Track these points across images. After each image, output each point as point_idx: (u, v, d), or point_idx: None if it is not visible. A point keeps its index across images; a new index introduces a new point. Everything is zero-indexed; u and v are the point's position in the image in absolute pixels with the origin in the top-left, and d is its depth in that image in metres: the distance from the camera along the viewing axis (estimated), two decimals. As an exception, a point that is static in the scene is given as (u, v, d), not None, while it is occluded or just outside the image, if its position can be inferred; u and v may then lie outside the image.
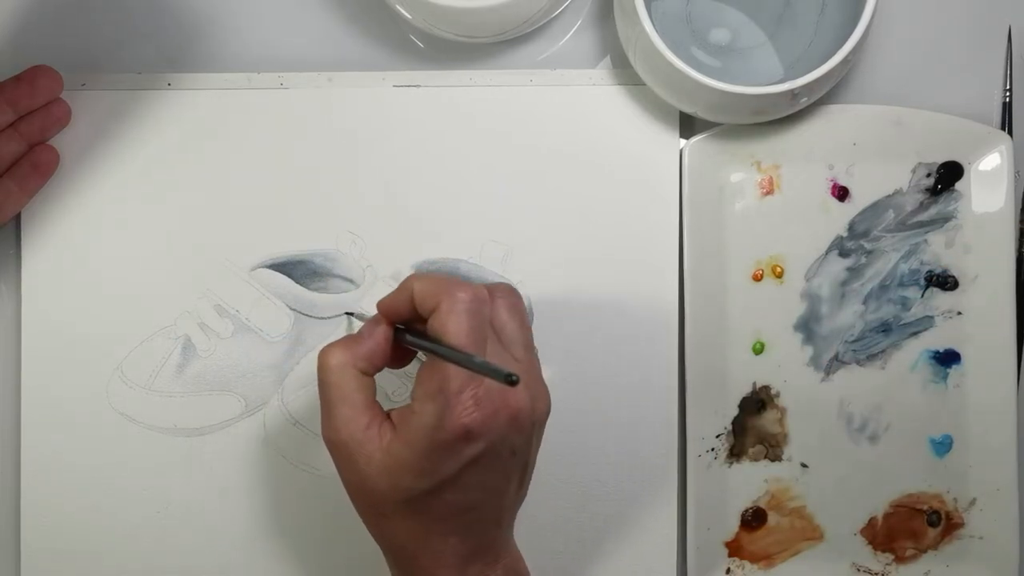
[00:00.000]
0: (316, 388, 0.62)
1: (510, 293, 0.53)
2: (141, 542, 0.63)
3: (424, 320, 0.51)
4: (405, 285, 0.52)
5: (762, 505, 0.63)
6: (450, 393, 0.48)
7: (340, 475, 0.52)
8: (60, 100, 0.62)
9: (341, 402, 0.51)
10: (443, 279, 0.51)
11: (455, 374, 0.48)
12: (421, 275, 0.52)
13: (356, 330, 0.56)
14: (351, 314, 0.63)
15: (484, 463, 0.49)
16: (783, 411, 0.63)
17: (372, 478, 0.50)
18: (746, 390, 0.63)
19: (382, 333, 0.52)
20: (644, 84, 0.61)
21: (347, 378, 0.51)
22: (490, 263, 0.63)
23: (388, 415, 0.51)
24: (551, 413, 0.54)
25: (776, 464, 0.63)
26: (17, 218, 0.63)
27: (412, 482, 0.49)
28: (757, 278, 0.63)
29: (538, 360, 0.54)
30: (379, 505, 0.51)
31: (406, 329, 0.53)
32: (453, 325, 0.49)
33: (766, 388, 0.63)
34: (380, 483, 0.50)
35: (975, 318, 0.63)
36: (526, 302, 0.63)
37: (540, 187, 0.63)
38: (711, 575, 0.63)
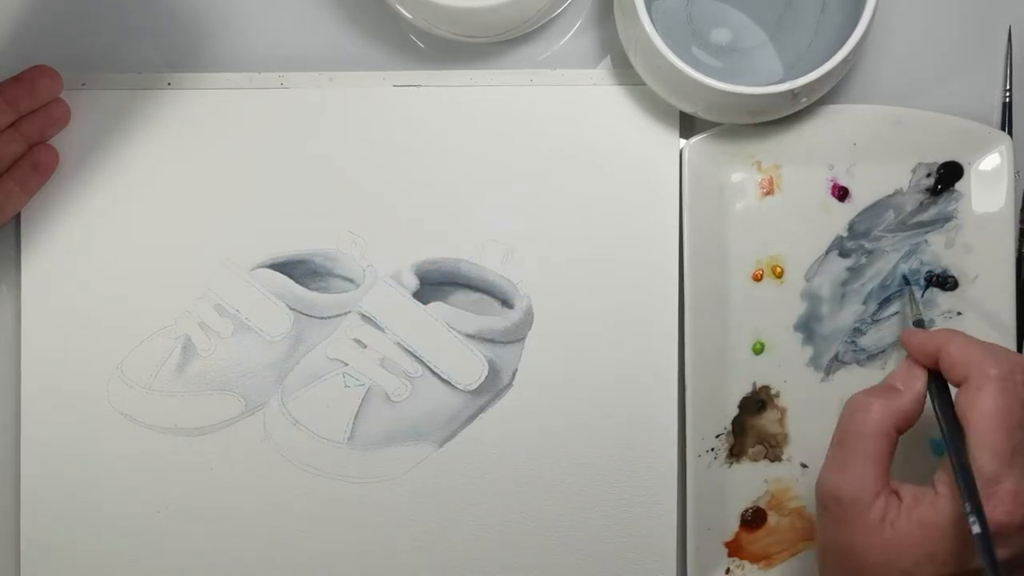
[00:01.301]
0: (317, 388, 0.63)
1: None
2: (141, 542, 0.63)
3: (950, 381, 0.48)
4: (937, 339, 0.48)
5: (762, 505, 0.63)
6: (986, 481, 0.45)
7: (821, 529, 0.49)
8: (60, 100, 0.62)
9: (867, 459, 0.47)
10: (978, 347, 0.47)
11: (988, 458, 0.45)
12: (956, 336, 0.49)
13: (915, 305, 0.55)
14: (907, 280, 0.59)
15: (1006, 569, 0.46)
16: (783, 411, 0.63)
17: (865, 547, 0.47)
18: (746, 390, 0.63)
19: (920, 390, 0.49)
20: (644, 84, 0.61)
21: (883, 438, 0.48)
22: (490, 263, 0.63)
23: (894, 489, 0.48)
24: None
25: (776, 464, 0.63)
26: (17, 218, 0.63)
27: (911, 566, 0.46)
28: (757, 278, 0.63)
29: None
30: None
31: (937, 383, 0.49)
32: (981, 405, 0.45)
33: (766, 388, 0.63)
34: (871, 555, 0.47)
35: (975, 318, 0.63)
36: (526, 302, 0.63)
37: (541, 187, 0.63)
38: (711, 575, 0.63)
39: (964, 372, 0.47)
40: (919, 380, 0.49)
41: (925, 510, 0.46)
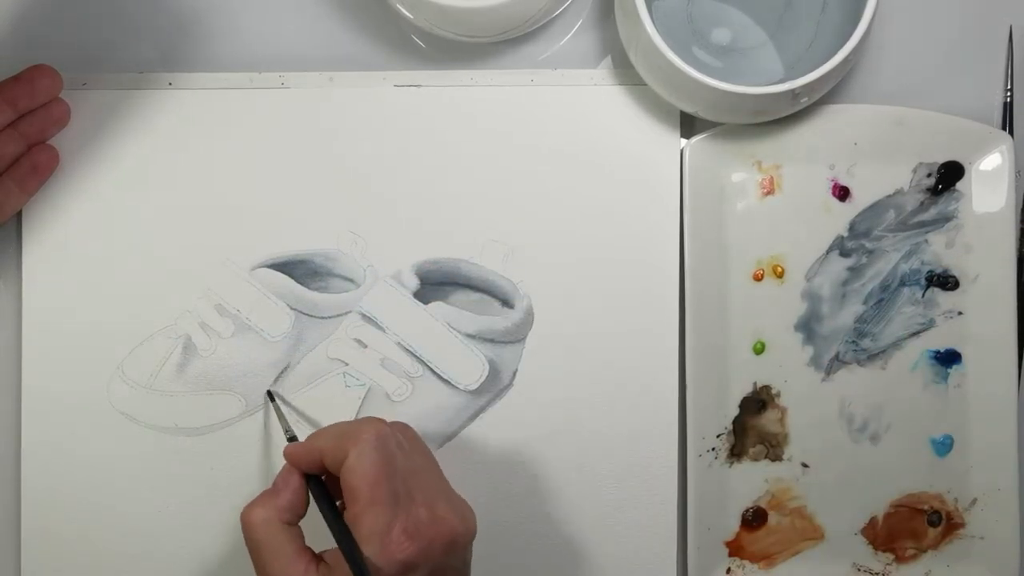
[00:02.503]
0: (317, 388, 0.63)
1: (404, 428, 0.55)
2: (141, 541, 0.63)
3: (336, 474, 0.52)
4: (312, 444, 0.53)
5: (763, 505, 0.63)
6: (380, 532, 0.49)
7: None
8: (60, 100, 0.62)
9: (273, 557, 0.51)
10: (347, 425, 0.53)
11: (379, 512, 0.49)
12: (323, 432, 0.53)
13: (274, 413, 0.60)
14: (272, 397, 0.62)
15: None
16: (784, 411, 0.63)
17: None
18: (747, 390, 0.63)
19: (297, 483, 0.53)
20: (645, 84, 0.61)
21: (273, 532, 0.51)
22: (491, 263, 0.63)
23: (320, 557, 0.51)
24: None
25: (777, 464, 0.63)
26: (18, 217, 0.63)
27: None
28: (758, 278, 0.63)
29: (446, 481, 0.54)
30: None
31: (315, 484, 0.53)
32: (361, 467, 0.50)
33: (767, 388, 0.63)
34: None
35: (976, 318, 0.63)
36: (527, 302, 0.63)
37: (541, 187, 0.63)
38: (711, 575, 0.63)
39: (344, 450, 0.51)
40: (295, 475, 0.53)
41: (345, 572, 0.49)
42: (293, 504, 0.53)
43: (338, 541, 0.50)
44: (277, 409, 0.61)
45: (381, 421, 0.53)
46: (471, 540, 0.52)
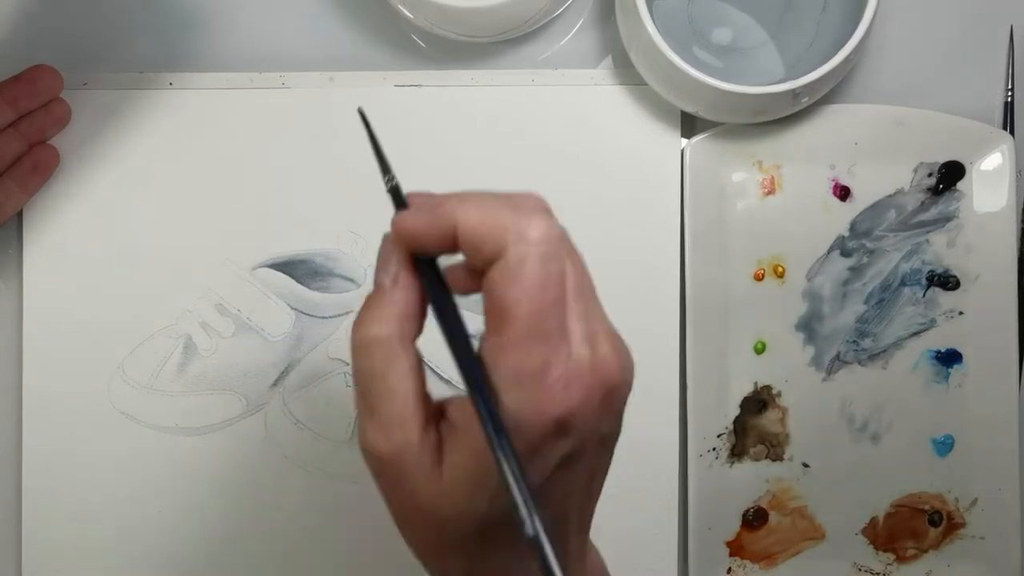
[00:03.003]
0: (317, 387, 0.62)
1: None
2: (141, 542, 0.63)
3: (473, 264, 0.38)
4: (447, 211, 0.37)
5: (763, 505, 0.63)
6: (533, 375, 0.35)
7: (386, 498, 0.38)
8: (60, 99, 0.62)
9: (388, 395, 0.37)
10: (503, 207, 0.38)
11: (536, 348, 0.35)
12: (468, 199, 0.38)
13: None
14: (364, 116, 0.44)
15: (574, 463, 0.38)
16: (784, 411, 0.63)
17: (432, 499, 0.37)
18: (747, 390, 0.63)
19: (412, 278, 0.38)
20: (646, 84, 0.61)
21: (396, 361, 0.37)
22: (491, 263, 0.63)
23: (441, 407, 0.38)
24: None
25: (777, 464, 0.63)
26: (19, 217, 0.63)
27: (484, 503, 0.37)
28: (759, 278, 0.63)
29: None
30: (442, 534, 0.38)
31: (428, 268, 0.38)
32: (527, 280, 0.36)
33: (767, 388, 0.63)
34: (443, 505, 0.37)
35: (977, 318, 0.63)
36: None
37: (542, 186, 0.63)
38: (712, 574, 0.63)
39: (497, 244, 0.36)
40: (403, 266, 0.38)
41: (476, 430, 0.36)
42: (413, 309, 0.38)
43: (466, 379, 0.36)
44: (371, 131, 0.44)
45: (547, 208, 0.39)
46: (627, 396, 0.40)
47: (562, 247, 0.38)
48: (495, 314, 0.36)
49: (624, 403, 0.39)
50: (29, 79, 0.61)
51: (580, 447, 0.37)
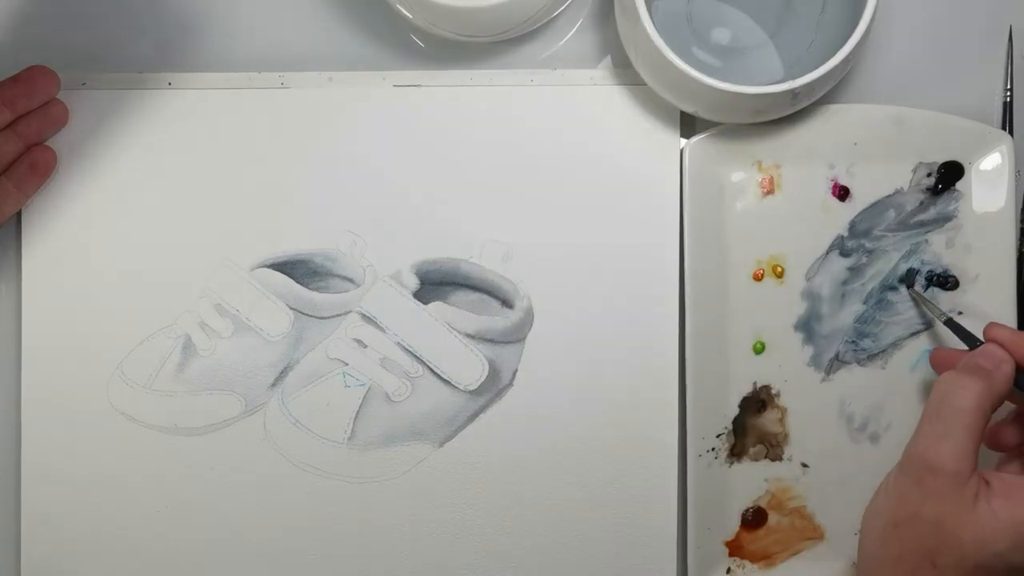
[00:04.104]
0: (316, 387, 0.63)
1: None
2: (141, 542, 0.63)
3: None
4: None
5: (762, 505, 0.63)
6: None
7: (902, 501, 0.49)
8: (57, 100, 0.62)
9: (968, 433, 0.47)
10: None
11: None
12: None
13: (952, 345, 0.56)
14: (952, 322, 0.59)
15: None
16: (784, 411, 0.63)
17: (958, 523, 0.47)
18: (747, 390, 0.63)
19: (1009, 372, 0.50)
20: (645, 84, 0.61)
21: (982, 416, 0.48)
22: (490, 263, 0.63)
23: (982, 475, 0.49)
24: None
25: (777, 464, 0.63)
26: (17, 218, 0.63)
27: (1006, 550, 0.46)
28: (758, 277, 0.63)
29: None
30: (943, 555, 0.47)
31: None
32: None
33: (767, 388, 0.63)
34: (965, 532, 0.46)
35: (976, 318, 0.63)
36: (527, 302, 0.63)
37: (541, 187, 0.63)
38: (712, 574, 0.63)
39: None
40: (1008, 363, 0.50)
41: None
42: (1002, 394, 0.49)
43: None
44: (920, 296, 0.60)
45: None
46: None
47: None
48: None
49: None
50: (26, 80, 0.60)
51: None
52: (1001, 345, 0.51)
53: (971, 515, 0.47)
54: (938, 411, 0.49)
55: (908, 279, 0.61)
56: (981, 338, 0.55)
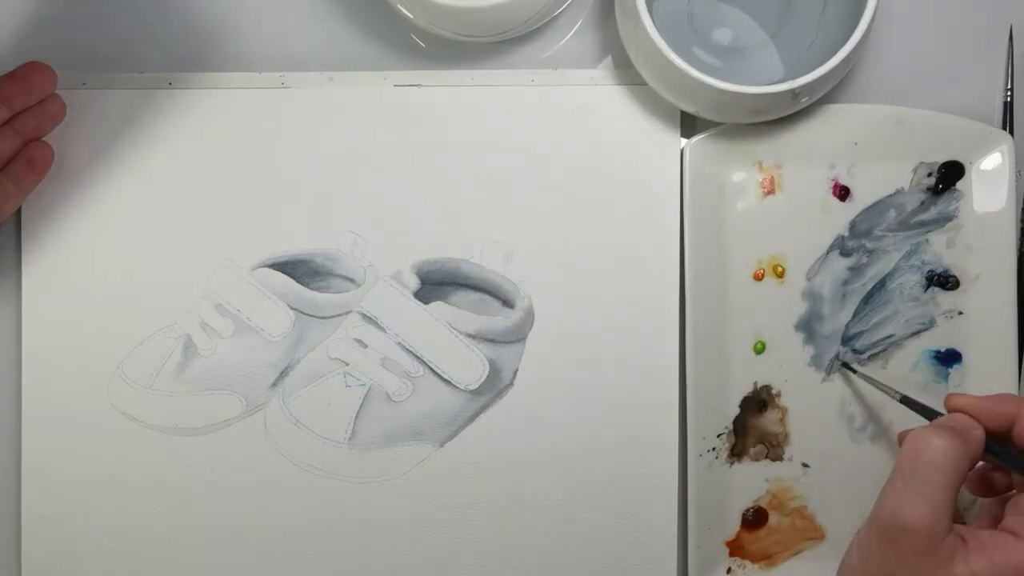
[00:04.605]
0: (317, 387, 0.63)
1: None
2: (141, 542, 0.63)
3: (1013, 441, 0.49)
4: (1006, 403, 0.50)
5: (763, 505, 0.63)
6: None
7: (878, 561, 0.48)
8: (55, 96, 0.62)
9: (944, 491, 0.47)
10: None
11: None
12: (1014, 397, 0.50)
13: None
14: (907, 399, 0.59)
15: None
16: (784, 411, 0.63)
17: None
18: (747, 390, 0.63)
19: (980, 436, 0.49)
20: (645, 84, 0.61)
21: (958, 474, 0.47)
22: (491, 263, 0.63)
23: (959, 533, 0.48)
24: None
25: (777, 464, 0.63)
26: (17, 218, 0.63)
27: None
28: (758, 277, 0.63)
29: None
30: None
31: (994, 441, 0.51)
32: None
33: (767, 388, 0.63)
34: None
35: (976, 318, 0.63)
36: (527, 302, 0.63)
37: (541, 187, 0.63)
38: (712, 575, 0.63)
39: None
40: (978, 429, 0.50)
41: (1000, 548, 0.46)
42: (976, 456, 0.49)
43: None
44: (866, 377, 0.61)
45: None
46: None
47: None
48: None
49: None
50: (22, 76, 0.60)
51: None
52: (966, 413, 0.51)
53: (946, 573, 0.46)
54: (912, 468, 0.48)
55: (846, 364, 0.62)
56: (941, 410, 0.54)
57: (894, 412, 0.63)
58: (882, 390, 0.59)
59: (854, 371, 0.61)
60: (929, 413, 0.56)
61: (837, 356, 0.63)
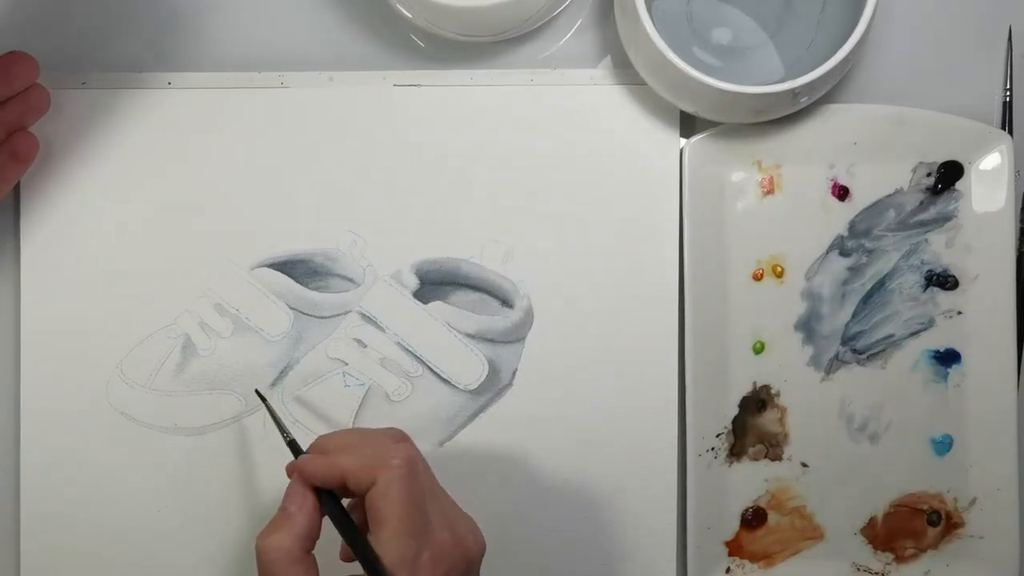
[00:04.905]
0: (316, 387, 0.63)
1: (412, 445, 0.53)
2: (141, 542, 0.63)
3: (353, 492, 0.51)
4: (336, 464, 0.50)
5: (762, 504, 0.63)
6: (409, 561, 0.48)
7: None
8: (38, 86, 0.60)
9: None
10: (370, 450, 0.51)
11: (407, 541, 0.48)
12: (346, 453, 0.51)
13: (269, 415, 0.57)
14: (263, 397, 0.59)
15: None
16: (783, 410, 0.63)
17: None
18: (746, 389, 0.63)
19: (312, 504, 0.51)
20: (645, 83, 0.61)
21: (291, 564, 0.49)
22: (491, 263, 0.63)
23: None
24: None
25: (776, 463, 0.63)
26: (16, 217, 0.63)
27: None
28: (758, 277, 0.63)
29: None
30: None
31: (329, 499, 0.52)
32: (393, 496, 0.49)
33: (766, 387, 0.63)
34: None
35: (975, 318, 0.63)
36: (527, 302, 0.63)
37: (541, 186, 0.63)
38: (711, 574, 0.63)
39: (372, 474, 0.49)
40: (310, 496, 0.51)
41: None
42: (310, 530, 0.51)
43: (365, 565, 0.49)
44: (271, 411, 0.58)
45: (407, 442, 0.52)
46: (483, 554, 0.52)
47: (418, 464, 0.51)
48: (376, 521, 0.49)
49: (480, 563, 0.52)
50: (3, 66, 0.59)
51: None
52: (315, 483, 0.51)
53: None
54: (261, 573, 0.50)
55: (259, 396, 0.59)
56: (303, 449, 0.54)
57: (894, 412, 0.63)
58: (279, 427, 0.56)
59: (263, 399, 0.59)
60: (296, 452, 0.55)
61: (837, 356, 0.63)
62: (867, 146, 0.63)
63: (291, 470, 0.52)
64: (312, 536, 0.51)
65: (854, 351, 0.63)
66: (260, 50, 0.64)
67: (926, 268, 0.63)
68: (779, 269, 0.63)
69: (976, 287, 0.63)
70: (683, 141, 0.63)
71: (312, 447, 0.53)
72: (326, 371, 0.63)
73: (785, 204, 0.63)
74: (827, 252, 0.63)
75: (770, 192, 0.63)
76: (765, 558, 0.64)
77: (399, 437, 0.53)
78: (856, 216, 0.63)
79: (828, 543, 0.64)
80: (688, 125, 0.63)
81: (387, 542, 0.49)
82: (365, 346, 0.63)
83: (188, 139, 0.63)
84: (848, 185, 0.63)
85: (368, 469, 0.50)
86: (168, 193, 0.63)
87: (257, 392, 0.60)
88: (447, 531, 0.50)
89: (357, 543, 0.50)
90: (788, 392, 0.63)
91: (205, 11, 0.64)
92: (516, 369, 0.63)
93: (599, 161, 0.63)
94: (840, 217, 0.63)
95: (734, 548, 0.63)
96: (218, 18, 0.64)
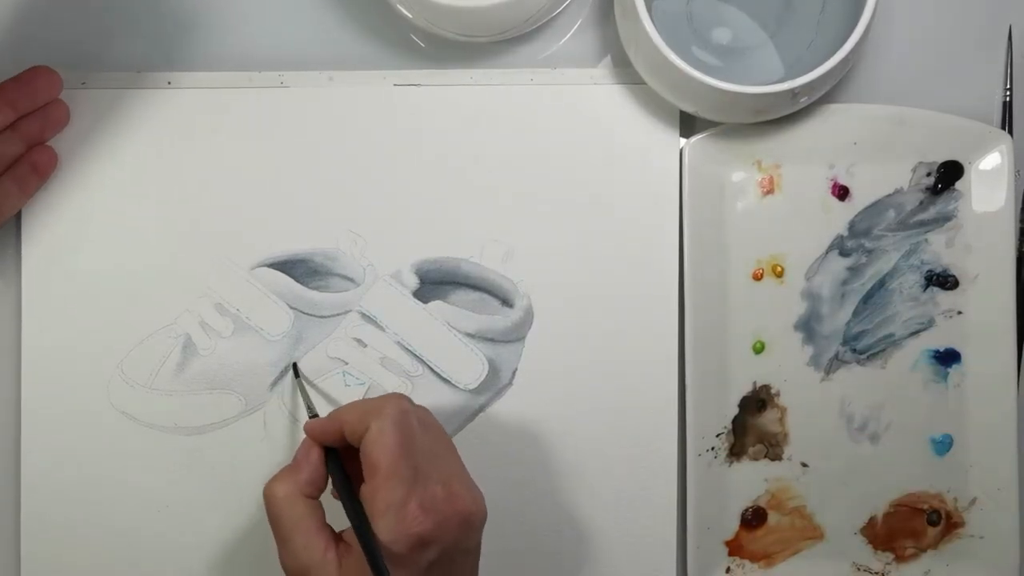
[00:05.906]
0: (318, 385, 0.63)
1: (425, 410, 0.55)
2: (141, 542, 0.63)
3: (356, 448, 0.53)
4: (336, 416, 0.53)
5: (762, 504, 0.63)
6: (397, 505, 0.50)
7: None
8: (59, 101, 0.62)
9: (295, 531, 0.52)
10: (367, 403, 0.53)
11: (396, 486, 0.50)
12: (346, 406, 0.54)
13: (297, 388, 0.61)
14: (297, 372, 0.62)
15: (441, 568, 0.51)
16: (783, 410, 0.63)
17: None
18: (746, 389, 0.63)
19: (317, 458, 0.54)
20: (645, 83, 0.61)
21: (297, 507, 0.52)
22: (491, 262, 0.63)
23: (341, 536, 0.52)
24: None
25: (776, 463, 0.63)
26: (17, 217, 0.63)
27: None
28: (757, 277, 0.63)
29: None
30: None
31: (333, 457, 0.54)
32: (384, 442, 0.51)
33: (766, 387, 0.63)
34: None
35: (975, 317, 0.63)
36: (527, 301, 0.63)
37: (541, 186, 0.63)
38: (711, 574, 0.63)
39: (366, 422, 0.51)
40: (315, 449, 0.54)
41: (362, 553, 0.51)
42: (313, 479, 0.53)
43: (350, 517, 0.51)
44: (301, 385, 0.62)
45: (404, 397, 0.53)
46: (483, 522, 0.53)
47: (412, 417, 0.52)
48: (368, 468, 0.51)
49: (480, 528, 0.53)
50: (27, 80, 0.61)
51: (445, 556, 0.51)
52: (322, 442, 0.54)
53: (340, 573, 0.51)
54: (271, 523, 0.53)
55: (295, 370, 0.62)
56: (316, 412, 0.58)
57: (894, 412, 0.63)
58: (305, 404, 0.61)
59: (297, 374, 0.63)
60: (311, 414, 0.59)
61: (836, 356, 0.63)
62: (867, 146, 0.63)
63: (307, 432, 0.55)
64: (315, 484, 0.53)
65: (854, 351, 0.63)
66: (260, 50, 0.64)
67: (926, 268, 0.63)
68: (779, 269, 0.63)
69: (976, 287, 0.63)
70: (683, 141, 0.63)
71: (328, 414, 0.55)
72: (326, 370, 0.63)
73: (785, 204, 0.63)
74: (827, 252, 0.63)
75: (770, 192, 0.63)
76: (765, 558, 0.64)
77: (399, 396, 0.54)
78: (856, 216, 0.63)
79: (828, 543, 0.64)
80: (688, 125, 0.63)
81: (377, 487, 0.50)
82: (365, 345, 0.63)
83: (188, 139, 0.63)
84: (848, 185, 0.63)
85: (362, 419, 0.52)
86: (168, 193, 0.63)
87: (294, 366, 0.62)
88: (441, 486, 0.51)
89: (349, 501, 0.52)
90: (788, 392, 0.63)
91: (205, 11, 0.64)
92: (516, 369, 0.63)
93: (599, 161, 0.63)
94: (840, 217, 0.63)
95: (734, 548, 0.63)
96: (218, 18, 0.64)
